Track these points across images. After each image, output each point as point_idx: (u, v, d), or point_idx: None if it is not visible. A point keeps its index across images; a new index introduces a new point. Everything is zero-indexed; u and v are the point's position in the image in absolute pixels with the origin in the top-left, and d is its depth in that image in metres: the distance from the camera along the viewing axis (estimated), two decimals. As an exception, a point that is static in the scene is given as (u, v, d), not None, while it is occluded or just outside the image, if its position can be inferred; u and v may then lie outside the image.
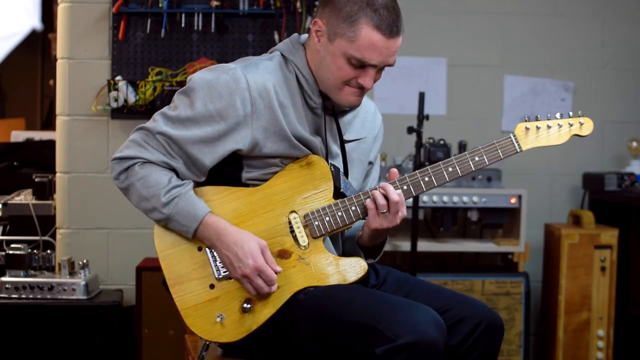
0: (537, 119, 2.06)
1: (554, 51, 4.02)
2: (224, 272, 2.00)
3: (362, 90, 2.02)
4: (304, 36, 2.11)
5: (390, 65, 2.01)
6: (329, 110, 2.10)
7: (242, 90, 1.96)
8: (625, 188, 3.76)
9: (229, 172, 2.05)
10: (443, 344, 1.83)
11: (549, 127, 2.06)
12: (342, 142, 2.12)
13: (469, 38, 3.97)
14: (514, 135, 2.04)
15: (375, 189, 2.01)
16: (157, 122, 1.99)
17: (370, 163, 2.23)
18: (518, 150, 2.03)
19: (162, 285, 2.03)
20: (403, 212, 2.01)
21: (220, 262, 2.00)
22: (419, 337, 1.78)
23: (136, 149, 1.99)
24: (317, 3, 3.60)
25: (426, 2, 3.86)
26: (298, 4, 3.55)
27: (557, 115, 2.08)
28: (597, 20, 4.04)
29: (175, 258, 2.01)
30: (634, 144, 3.94)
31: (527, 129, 2.04)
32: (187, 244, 2.02)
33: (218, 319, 1.98)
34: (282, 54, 2.07)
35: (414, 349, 1.78)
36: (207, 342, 2.07)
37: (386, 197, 1.98)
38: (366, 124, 2.20)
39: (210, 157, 1.99)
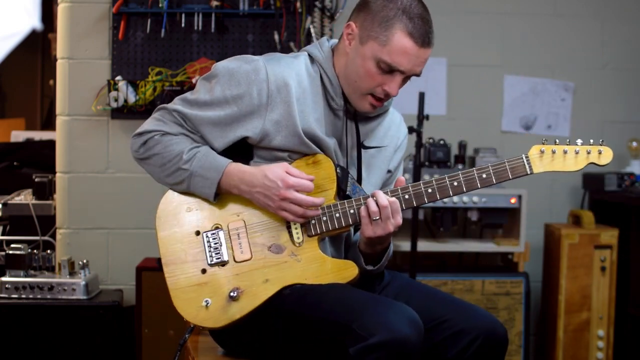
0: (555, 143, 2.01)
1: (554, 51, 4.02)
2: (217, 258, 2.03)
3: (382, 100, 2.04)
4: (333, 41, 2.14)
5: (417, 75, 2.02)
6: (351, 114, 2.11)
7: (260, 82, 2.00)
8: (625, 188, 3.76)
9: (238, 159, 2.07)
10: (418, 342, 1.81)
11: (565, 152, 2.00)
12: (359, 147, 2.12)
13: (469, 38, 3.97)
14: (527, 157, 2.00)
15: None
16: (175, 102, 2.07)
17: (390, 172, 2.23)
18: (529, 172, 2.00)
19: (157, 263, 2.07)
20: (397, 221, 1.98)
21: (214, 248, 2.03)
22: (392, 336, 1.77)
23: (155, 123, 2.07)
24: (317, 3, 3.60)
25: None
26: (298, 4, 3.55)
27: (578, 141, 2.01)
28: (597, 20, 4.03)
29: (173, 239, 2.05)
30: (634, 144, 3.94)
31: (542, 152, 2.00)
32: (186, 227, 2.06)
33: (204, 304, 2.00)
34: (309, 55, 2.10)
35: (386, 347, 1.77)
36: (192, 326, 2.09)
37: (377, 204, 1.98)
38: (389, 133, 2.21)
39: (220, 140, 2.03)
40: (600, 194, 3.83)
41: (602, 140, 2.03)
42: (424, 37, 1.99)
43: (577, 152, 2.00)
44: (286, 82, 2.01)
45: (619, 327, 3.72)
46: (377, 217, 1.97)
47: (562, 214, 3.99)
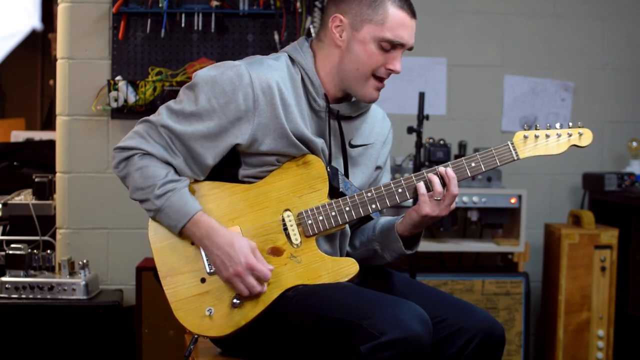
0: (536, 128, 2.06)
1: (554, 51, 4.02)
2: None
3: (384, 80, 2.06)
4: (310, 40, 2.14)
5: (411, 48, 2.06)
6: (333, 114, 2.11)
7: (245, 87, 1.98)
8: (625, 188, 3.76)
9: (227, 168, 2.06)
10: (428, 340, 1.83)
11: (547, 136, 2.06)
12: (344, 146, 2.12)
13: (469, 38, 3.97)
14: (512, 143, 2.05)
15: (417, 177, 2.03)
16: (161, 115, 2.02)
17: (379, 168, 2.24)
18: (515, 158, 2.04)
19: (154, 276, 2.06)
20: (453, 206, 2.04)
21: None
22: (404, 334, 1.79)
23: (138, 140, 2.02)
24: (317, 3, 3.60)
25: (426, 2, 3.86)
26: (298, 4, 3.55)
27: (557, 125, 2.08)
28: (597, 20, 4.04)
29: (168, 251, 2.04)
30: (634, 144, 3.94)
31: (525, 137, 2.05)
32: (180, 238, 2.03)
33: (207, 313, 1.99)
34: (289, 55, 2.09)
35: (398, 345, 1.78)
36: (196, 336, 2.08)
37: (443, 185, 2.00)
38: (374, 129, 2.22)
39: (212, 152, 2.01)
40: (600, 194, 3.83)
41: (581, 123, 2.10)
42: (411, 7, 2.04)
43: (559, 136, 2.07)
44: (270, 85, 2.00)
45: (618, 327, 3.72)
46: (440, 198, 2.00)
47: (562, 214, 3.99)
